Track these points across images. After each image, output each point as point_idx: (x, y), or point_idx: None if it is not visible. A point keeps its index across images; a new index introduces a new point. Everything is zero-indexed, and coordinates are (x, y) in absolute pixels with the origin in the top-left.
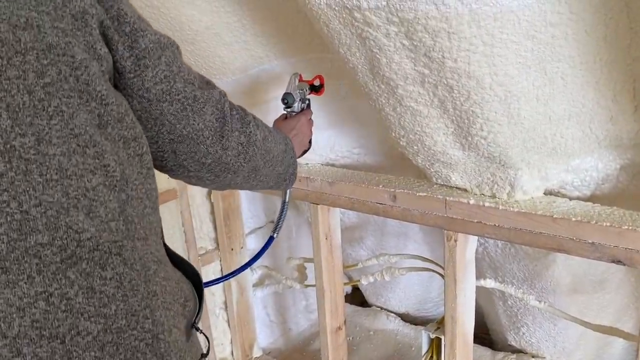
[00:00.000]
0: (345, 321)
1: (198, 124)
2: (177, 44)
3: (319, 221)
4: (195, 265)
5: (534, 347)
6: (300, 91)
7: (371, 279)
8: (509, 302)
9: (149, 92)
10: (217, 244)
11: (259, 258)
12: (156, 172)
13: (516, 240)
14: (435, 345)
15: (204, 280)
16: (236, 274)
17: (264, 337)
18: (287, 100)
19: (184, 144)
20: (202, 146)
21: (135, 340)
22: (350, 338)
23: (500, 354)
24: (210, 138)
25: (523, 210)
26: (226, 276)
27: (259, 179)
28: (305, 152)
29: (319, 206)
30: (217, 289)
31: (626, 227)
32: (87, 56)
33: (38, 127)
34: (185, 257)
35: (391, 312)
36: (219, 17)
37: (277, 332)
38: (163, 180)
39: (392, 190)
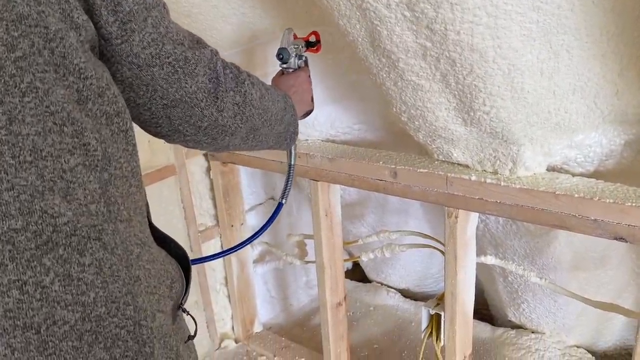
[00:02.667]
0: (345, 297)
1: (191, 87)
2: (163, 2)
3: (319, 198)
4: (194, 242)
5: (534, 323)
6: (296, 47)
7: (371, 256)
8: (509, 279)
9: (138, 57)
10: (217, 221)
11: (269, 225)
12: (154, 148)
13: (518, 217)
14: (435, 321)
15: (203, 255)
16: (245, 245)
17: (265, 312)
18: (282, 55)
19: (177, 108)
20: (196, 109)
21: (116, 327)
22: (351, 313)
23: (500, 330)
24: (204, 100)
25: (525, 187)
26: (235, 247)
27: (258, 139)
28: (309, 112)
29: (319, 183)
30: (218, 264)
31: (629, 203)
32: (63, 26)
33: (9, 106)
34: (185, 234)
35: (391, 288)
36: (249, 30)
37: (278, 308)
38: (161, 157)
39: (393, 166)
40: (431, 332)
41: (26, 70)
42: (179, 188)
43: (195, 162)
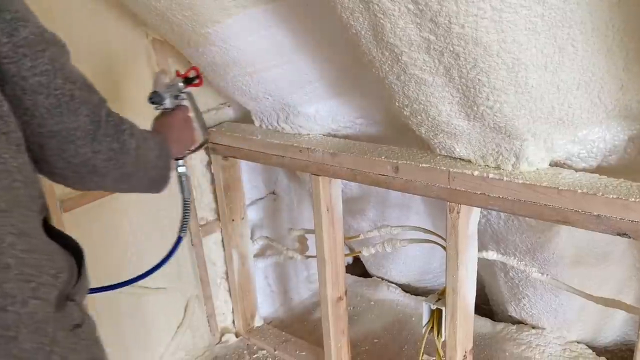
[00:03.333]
0: (346, 292)
1: (71, 123)
2: (64, 44)
3: (321, 193)
4: (195, 236)
5: (535, 318)
6: (172, 86)
7: (372, 251)
8: (511, 274)
9: (26, 81)
10: (218, 215)
11: (167, 261)
12: None
13: (520, 212)
14: (436, 316)
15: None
16: (135, 282)
17: (265, 307)
18: (153, 99)
19: (54, 139)
20: (71, 145)
21: None
22: (351, 308)
23: (501, 325)
24: (81, 139)
25: (528, 182)
26: (120, 284)
27: (131, 184)
28: (202, 145)
29: (320, 177)
30: (219, 259)
31: (633, 199)
32: None
33: None
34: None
35: (392, 282)
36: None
37: (278, 302)
38: None
39: (395, 161)
40: (432, 327)
41: None
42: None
43: (196, 156)
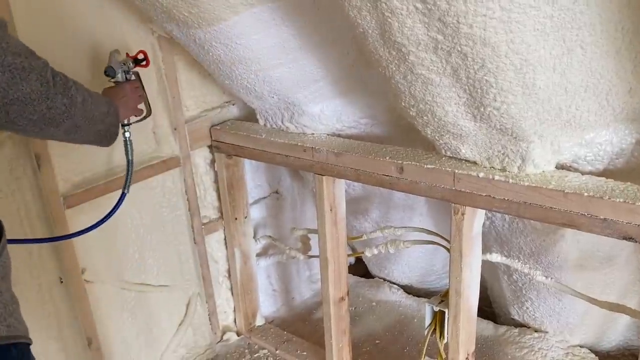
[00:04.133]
0: (348, 292)
1: (26, 89)
2: (4, 22)
3: (324, 192)
4: (198, 234)
5: (537, 321)
6: (124, 65)
7: (375, 251)
8: (514, 277)
9: None
10: (221, 213)
11: (111, 216)
12: (159, 139)
13: (526, 214)
14: (439, 318)
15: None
16: (77, 235)
17: (267, 306)
18: (108, 72)
19: (14, 105)
20: (29, 106)
21: None
22: (353, 309)
23: (503, 328)
24: (37, 100)
25: (534, 185)
26: (52, 238)
27: (79, 134)
28: (145, 117)
29: (324, 177)
30: (221, 257)
31: (639, 203)
32: None
33: None
34: (188, 226)
35: (394, 283)
36: None
37: (280, 302)
38: (166, 148)
39: (400, 162)
40: (434, 329)
41: None
42: (183, 180)
43: (200, 154)
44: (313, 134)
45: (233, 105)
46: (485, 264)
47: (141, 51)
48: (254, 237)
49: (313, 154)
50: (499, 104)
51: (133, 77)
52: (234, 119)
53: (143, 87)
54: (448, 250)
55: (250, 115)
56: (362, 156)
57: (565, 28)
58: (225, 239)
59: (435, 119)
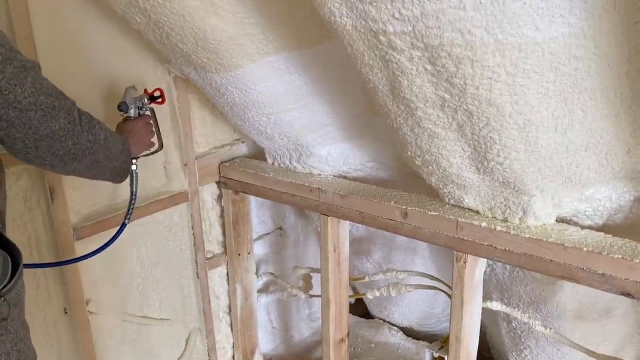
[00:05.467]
0: (348, 333)
1: (54, 126)
2: (38, 64)
3: (329, 233)
4: (201, 268)
5: None
6: (138, 101)
7: (377, 294)
8: (513, 324)
9: (20, 103)
10: (225, 249)
11: (112, 243)
12: (169, 174)
13: (526, 265)
14: None
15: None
16: (79, 260)
17: (266, 343)
18: (121, 107)
19: (44, 141)
20: (57, 142)
21: None
22: (352, 349)
23: None
24: (64, 136)
25: (534, 237)
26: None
27: (99, 169)
28: (155, 151)
29: (329, 218)
30: (222, 292)
31: (637, 260)
32: None
33: None
34: (192, 260)
35: (394, 325)
36: (243, 28)
37: (279, 339)
38: (176, 183)
39: (404, 207)
40: None
41: None
42: (189, 214)
43: (208, 190)
44: (320, 174)
45: (243, 143)
46: (485, 310)
47: (158, 89)
48: (256, 273)
49: (319, 194)
50: (502, 159)
51: (147, 113)
52: (243, 156)
53: (157, 122)
54: (449, 296)
55: (259, 154)
56: (367, 199)
57: (567, 92)
58: (227, 274)
59: (440, 170)
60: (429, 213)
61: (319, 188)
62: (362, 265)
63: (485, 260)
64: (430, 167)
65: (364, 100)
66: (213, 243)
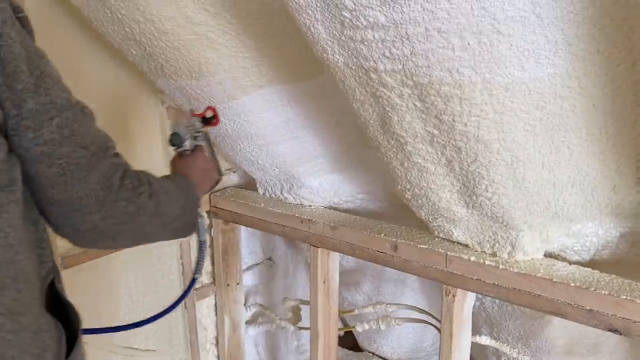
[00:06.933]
0: None
1: (77, 192)
2: (85, 106)
3: (318, 264)
4: (189, 299)
5: None
6: (190, 127)
7: (366, 327)
8: (502, 359)
9: (27, 151)
10: (214, 279)
11: (181, 301)
12: None
13: (515, 300)
14: None
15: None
16: (151, 321)
17: None
18: (173, 140)
19: (57, 207)
20: (77, 213)
21: None
22: None
23: None
24: (87, 206)
25: (523, 272)
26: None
27: (152, 239)
28: (217, 182)
29: (319, 249)
30: (210, 324)
31: (624, 296)
32: None
33: None
34: (181, 291)
35: (383, 358)
36: (237, 61)
37: None
38: None
39: (394, 239)
40: None
41: None
42: (179, 244)
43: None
44: (311, 205)
45: (234, 173)
46: (475, 344)
47: (210, 107)
48: (245, 304)
49: (310, 225)
50: (491, 195)
51: (203, 142)
52: (234, 186)
53: (213, 149)
54: (438, 330)
55: (250, 184)
56: (357, 231)
57: (553, 130)
58: (215, 305)
59: (430, 203)
60: (419, 246)
61: (309, 219)
62: (351, 297)
63: (475, 294)
64: (419, 201)
65: (354, 132)
66: (202, 273)
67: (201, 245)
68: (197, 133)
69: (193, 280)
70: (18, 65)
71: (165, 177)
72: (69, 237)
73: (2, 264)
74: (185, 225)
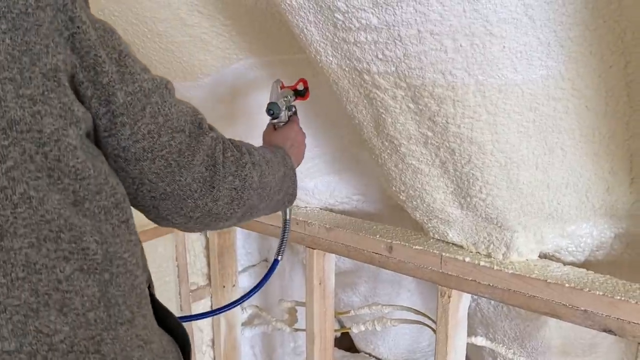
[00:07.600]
0: None
1: (185, 179)
2: (166, 82)
3: (314, 266)
4: (185, 301)
5: None
6: (285, 99)
7: (362, 328)
8: (498, 359)
9: (127, 151)
10: (210, 280)
11: (264, 284)
12: None
13: (509, 301)
14: None
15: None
16: (237, 304)
17: None
18: (272, 110)
19: (167, 201)
20: (189, 201)
21: None
22: None
23: None
24: (198, 191)
25: (517, 272)
26: (226, 306)
27: (256, 215)
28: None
29: (314, 251)
30: (206, 325)
31: (619, 297)
32: (62, 123)
33: (1, 220)
34: (176, 292)
35: (380, 359)
36: (230, 62)
37: None
38: None
39: (389, 241)
40: None
41: (19, 181)
42: (174, 245)
43: None
44: (306, 207)
45: None
46: (470, 345)
47: (301, 80)
48: (241, 305)
49: (305, 227)
50: (485, 196)
51: (294, 114)
52: None
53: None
54: (434, 331)
55: None
56: (353, 233)
57: (546, 131)
58: (211, 306)
59: (424, 205)
60: (414, 247)
61: (305, 221)
62: (348, 298)
63: (470, 295)
64: (414, 202)
65: (349, 134)
66: (197, 275)
67: (285, 224)
68: (290, 105)
69: (275, 262)
70: (98, 55)
71: (263, 147)
72: (181, 226)
73: (125, 293)
74: (285, 197)
